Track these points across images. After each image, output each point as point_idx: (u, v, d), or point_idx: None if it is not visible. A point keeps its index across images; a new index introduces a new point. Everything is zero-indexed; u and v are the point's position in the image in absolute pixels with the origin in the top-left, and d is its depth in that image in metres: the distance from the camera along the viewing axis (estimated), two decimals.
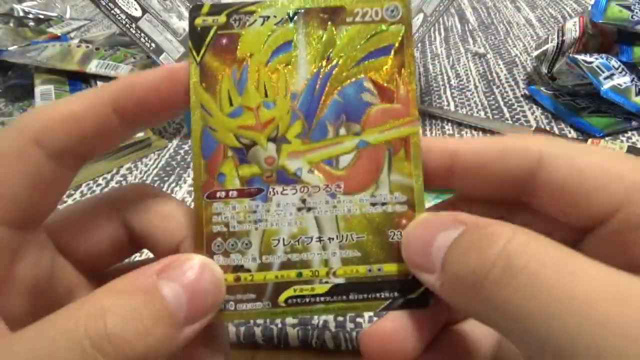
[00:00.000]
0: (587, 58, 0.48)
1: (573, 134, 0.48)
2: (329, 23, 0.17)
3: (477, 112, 0.53)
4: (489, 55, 0.66)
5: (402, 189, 0.17)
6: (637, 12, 0.48)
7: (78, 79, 0.58)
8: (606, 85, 0.46)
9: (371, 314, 0.29)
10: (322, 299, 0.17)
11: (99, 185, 0.45)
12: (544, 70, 0.55)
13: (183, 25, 0.49)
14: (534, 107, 0.53)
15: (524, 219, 0.17)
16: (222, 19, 0.17)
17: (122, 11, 0.47)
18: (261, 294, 0.17)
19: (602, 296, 0.11)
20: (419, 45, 0.71)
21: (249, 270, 0.17)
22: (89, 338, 0.12)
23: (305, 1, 0.17)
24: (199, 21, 0.17)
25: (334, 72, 0.17)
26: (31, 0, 0.96)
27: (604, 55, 0.48)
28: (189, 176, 0.46)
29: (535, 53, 0.57)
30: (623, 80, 0.47)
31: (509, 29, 0.75)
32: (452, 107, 0.54)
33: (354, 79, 0.17)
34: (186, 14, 0.49)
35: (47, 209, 0.16)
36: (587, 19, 0.52)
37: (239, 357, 0.29)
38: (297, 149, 0.17)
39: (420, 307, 0.17)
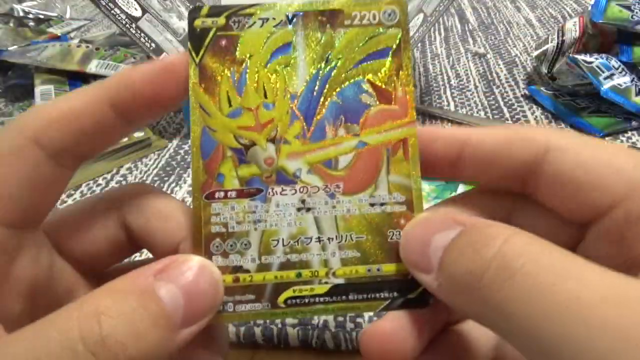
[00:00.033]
0: (587, 58, 0.48)
1: None
2: (328, 26, 0.17)
3: (477, 112, 0.53)
4: (489, 55, 0.66)
5: (401, 189, 0.17)
6: (637, 12, 0.48)
7: (78, 79, 0.58)
8: (606, 85, 0.46)
9: (371, 314, 0.29)
10: (322, 299, 0.17)
11: (99, 185, 0.45)
12: (544, 70, 0.55)
13: (183, 26, 0.49)
14: (534, 107, 0.53)
15: (527, 216, 0.17)
16: (221, 20, 0.17)
17: (122, 11, 0.47)
18: (260, 294, 0.17)
19: (599, 299, 0.11)
20: (419, 45, 0.71)
21: (248, 271, 0.17)
22: (83, 340, 0.12)
23: (304, 4, 0.17)
24: (198, 22, 0.17)
25: (332, 74, 0.17)
26: (31, 0, 0.96)
27: (604, 55, 0.48)
28: (189, 176, 0.46)
29: (535, 53, 0.57)
30: (623, 80, 0.47)
31: (509, 29, 0.75)
32: (452, 107, 0.54)
33: (352, 81, 0.17)
34: (186, 14, 0.49)
35: (46, 208, 0.16)
36: (587, 19, 0.52)
37: (239, 357, 0.29)
38: (297, 150, 0.17)
39: (419, 306, 0.17)
